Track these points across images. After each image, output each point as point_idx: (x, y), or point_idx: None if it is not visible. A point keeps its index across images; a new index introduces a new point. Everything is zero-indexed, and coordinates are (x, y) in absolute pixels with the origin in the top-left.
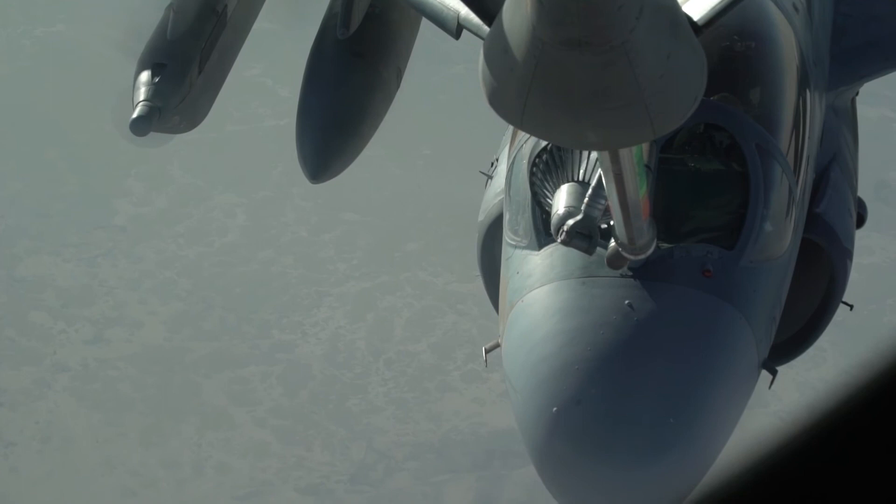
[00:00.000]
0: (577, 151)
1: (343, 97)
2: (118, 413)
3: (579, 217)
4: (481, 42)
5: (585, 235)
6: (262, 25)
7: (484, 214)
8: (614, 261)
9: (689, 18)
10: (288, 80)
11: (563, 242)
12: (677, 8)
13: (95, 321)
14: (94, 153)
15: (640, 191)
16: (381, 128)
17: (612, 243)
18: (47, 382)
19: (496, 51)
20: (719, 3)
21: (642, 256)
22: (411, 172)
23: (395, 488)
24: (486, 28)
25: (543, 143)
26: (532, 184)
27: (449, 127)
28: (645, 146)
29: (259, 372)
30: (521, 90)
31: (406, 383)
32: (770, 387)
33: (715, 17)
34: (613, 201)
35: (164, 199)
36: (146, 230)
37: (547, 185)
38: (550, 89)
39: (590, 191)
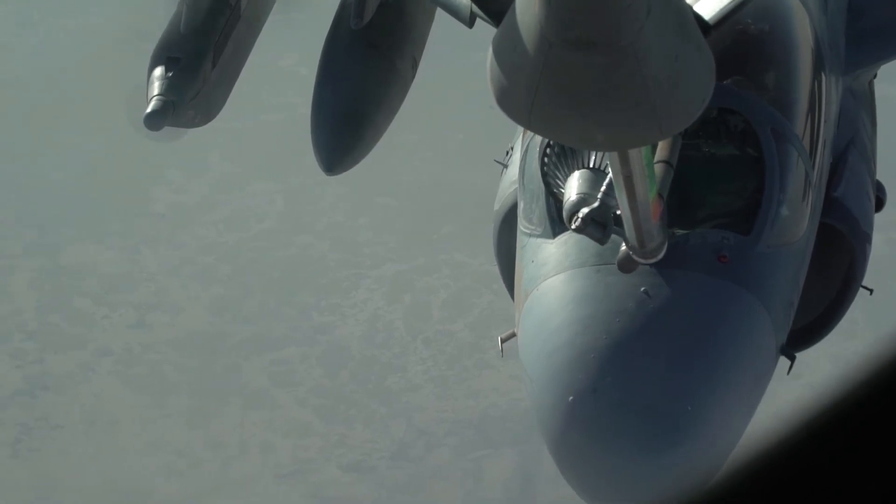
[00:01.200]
0: None
1: (358, 89)
2: (162, 395)
3: (595, 205)
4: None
5: (600, 224)
6: (296, 16)
7: (499, 203)
8: (625, 264)
9: (700, 18)
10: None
11: (577, 230)
12: (686, 9)
13: (138, 306)
14: (133, 143)
15: (649, 193)
16: (415, 112)
17: (623, 246)
18: (92, 367)
19: (504, 50)
20: (731, 2)
21: (653, 260)
22: (444, 157)
23: (436, 464)
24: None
25: None
26: (544, 172)
27: (482, 112)
28: (664, 143)
29: (299, 353)
30: (528, 90)
31: (444, 361)
32: (788, 372)
33: (726, 17)
34: (623, 203)
35: (202, 186)
36: (186, 217)
37: (559, 172)
38: (558, 89)
39: (608, 179)
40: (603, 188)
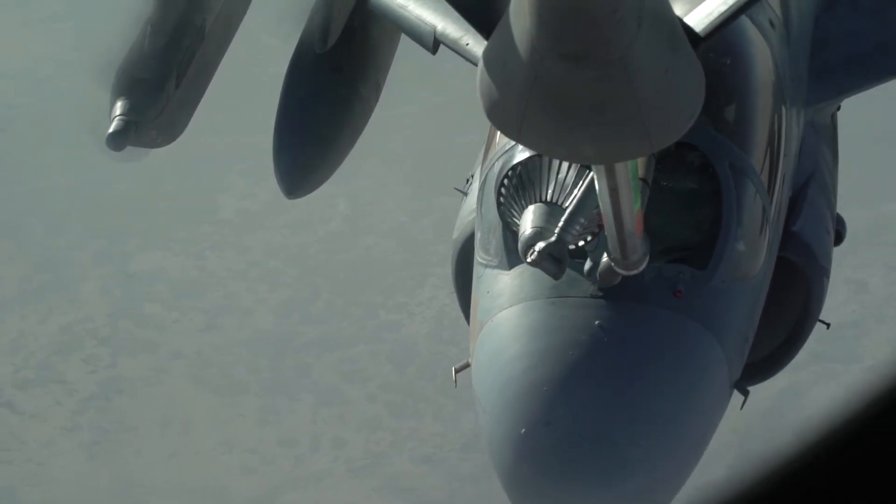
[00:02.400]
0: (545, 172)
1: (321, 112)
2: (234, 395)
3: (552, 239)
4: (458, 57)
5: (556, 259)
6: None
7: (458, 232)
8: (606, 276)
9: (690, 30)
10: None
11: (532, 263)
12: (676, 22)
13: (207, 310)
14: (195, 151)
15: (634, 206)
16: (478, 114)
17: (605, 258)
18: (164, 370)
19: (494, 63)
20: (722, 13)
21: (635, 272)
22: None
23: None
24: (462, 43)
25: (513, 163)
26: (500, 204)
27: None
28: (641, 160)
29: (367, 351)
30: (519, 103)
31: None
32: (742, 408)
33: (717, 28)
34: (608, 216)
35: (266, 192)
36: (251, 222)
37: (515, 205)
38: (548, 103)
39: (566, 215)
40: (560, 224)
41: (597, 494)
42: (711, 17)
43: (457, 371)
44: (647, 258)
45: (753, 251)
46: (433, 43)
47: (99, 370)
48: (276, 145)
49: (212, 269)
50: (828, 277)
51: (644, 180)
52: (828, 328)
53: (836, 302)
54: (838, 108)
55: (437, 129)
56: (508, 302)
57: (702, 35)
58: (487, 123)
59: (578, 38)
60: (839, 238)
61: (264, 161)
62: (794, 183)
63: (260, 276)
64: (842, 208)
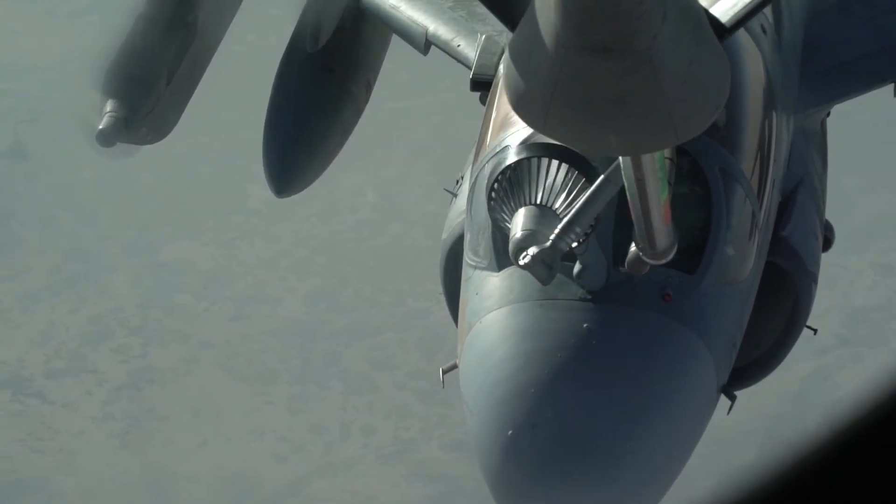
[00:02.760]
0: (536, 174)
1: (311, 112)
2: (264, 384)
3: (546, 245)
4: (449, 58)
5: (547, 265)
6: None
7: (447, 233)
8: (634, 266)
9: (716, 21)
10: (406, 65)
11: (524, 267)
12: (701, 14)
13: (236, 299)
14: (224, 142)
15: (661, 196)
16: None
17: (633, 248)
18: (195, 359)
19: (520, 56)
20: (747, 4)
21: (663, 261)
22: None
23: None
24: (453, 45)
25: (504, 165)
26: (491, 205)
27: None
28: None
29: (396, 339)
30: (544, 95)
31: None
32: (728, 412)
33: (743, 19)
34: (635, 207)
35: None
36: (280, 212)
37: (505, 207)
38: (573, 95)
39: (563, 223)
40: (556, 231)
41: (583, 497)
42: (737, 8)
43: (444, 372)
44: (675, 247)
45: (742, 256)
46: (424, 44)
47: (129, 360)
48: (266, 144)
49: (241, 259)
50: (815, 283)
51: (670, 158)
52: (815, 334)
53: (863, 286)
54: (828, 115)
55: (466, 118)
56: (497, 304)
57: (727, 26)
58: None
59: (604, 31)
60: (827, 244)
61: None
62: (783, 188)
63: (289, 266)
64: (865, 193)
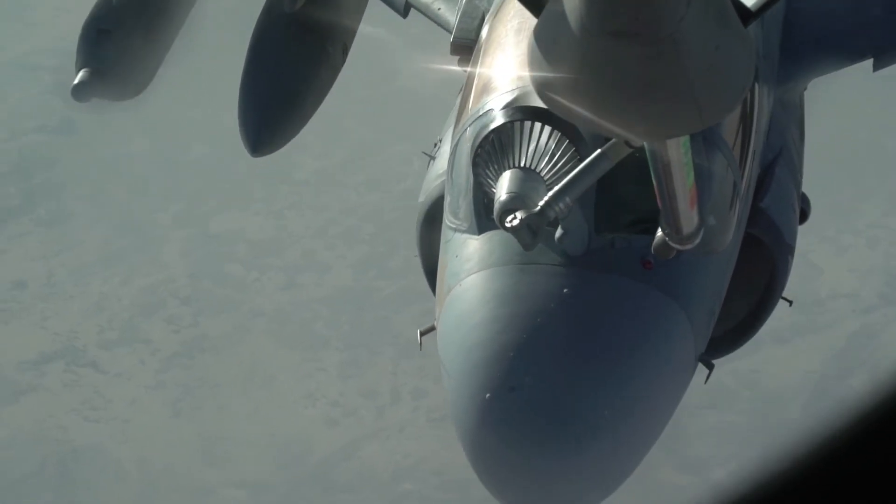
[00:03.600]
0: (521, 137)
1: (288, 71)
2: (315, 350)
3: (535, 211)
4: (429, 21)
5: (532, 231)
6: None
7: (424, 195)
8: (661, 250)
9: (740, 4)
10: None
11: (509, 229)
12: None
13: (286, 269)
14: None
15: (687, 180)
16: None
17: (659, 232)
18: (246, 328)
19: (544, 41)
20: None
21: (690, 246)
22: None
23: None
24: (434, 8)
25: (490, 128)
26: (476, 167)
27: None
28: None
29: None
30: (568, 81)
31: None
32: (706, 381)
33: (768, 2)
34: (661, 191)
35: (341, 152)
36: (328, 182)
37: (490, 169)
38: (598, 80)
39: (554, 191)
40: (546, 198)
41: (560, 460)
42: None
43: (422, 334)
44: (702, 232)
45: (723, 226)
46: (404, 6)
47: (181, 329)
48: (242, 102)
49: (290, 229)
50: (792, 255)
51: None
52: (790, 305)
53: None
54: (805, 88)
55: None
56: (477, 267)
57: (753, 10)
58: None
59: (628, 16)
60: (804, 216)
61: (341, 122)
62: (762, 160)
63: (337, 234)
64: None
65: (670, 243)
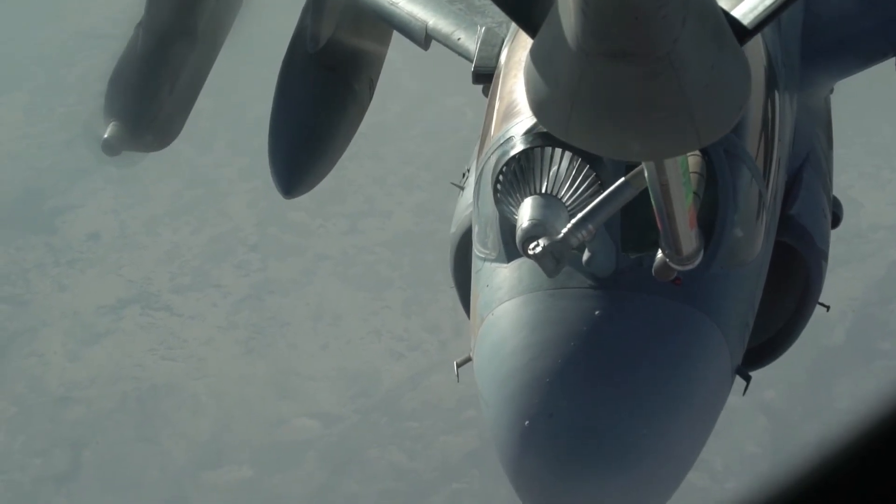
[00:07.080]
0: (541, 164)
1: (315, 112)
2: (379, 290)
3: (557, 238)
4: (451, 52)
5: (555, 258)
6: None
7: (455, 226)
8: (661, 271)
9: (738, 23)
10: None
11: (532, 257)
12: (721, 18)
13: (349, 215)
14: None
15: (686, 201)
16: None
17: (659, 254)
18: (312, 271)
19: (541, 62)
20: (769, 6)
21: (690, 266)
22: None
23: None
24: (454, 38)
25: (509, 155)
26: (497, 197)
27: None
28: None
29: None
30: (565, 101)
31: None
32: (744, 393)
33: (765, 21)
34: (660, 212)
35: (398, 105)
36: (385, 134)
37: (511, 197)
38: (595, 101)
39: (577, 218)
40: (569, 226)
41: (601, 484)
42: (758, 10)
43: (458, 365)
44: (703, 252)
45: (751, 237)
46: (425, 38)
47: (250, 274)
48: (272, 146)
49: (351, 178)
50: (826, 260)
51: (699, 174)
52: (828, 311)
53: None
54: (831, 91)
55: None
56: (508, 295)
57: (750, 28)
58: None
59: (624, 36)
60: (836, 221)
61: (396, 76)
62: (789, 167)
63: (397, 182)
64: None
65: (671, 264)
